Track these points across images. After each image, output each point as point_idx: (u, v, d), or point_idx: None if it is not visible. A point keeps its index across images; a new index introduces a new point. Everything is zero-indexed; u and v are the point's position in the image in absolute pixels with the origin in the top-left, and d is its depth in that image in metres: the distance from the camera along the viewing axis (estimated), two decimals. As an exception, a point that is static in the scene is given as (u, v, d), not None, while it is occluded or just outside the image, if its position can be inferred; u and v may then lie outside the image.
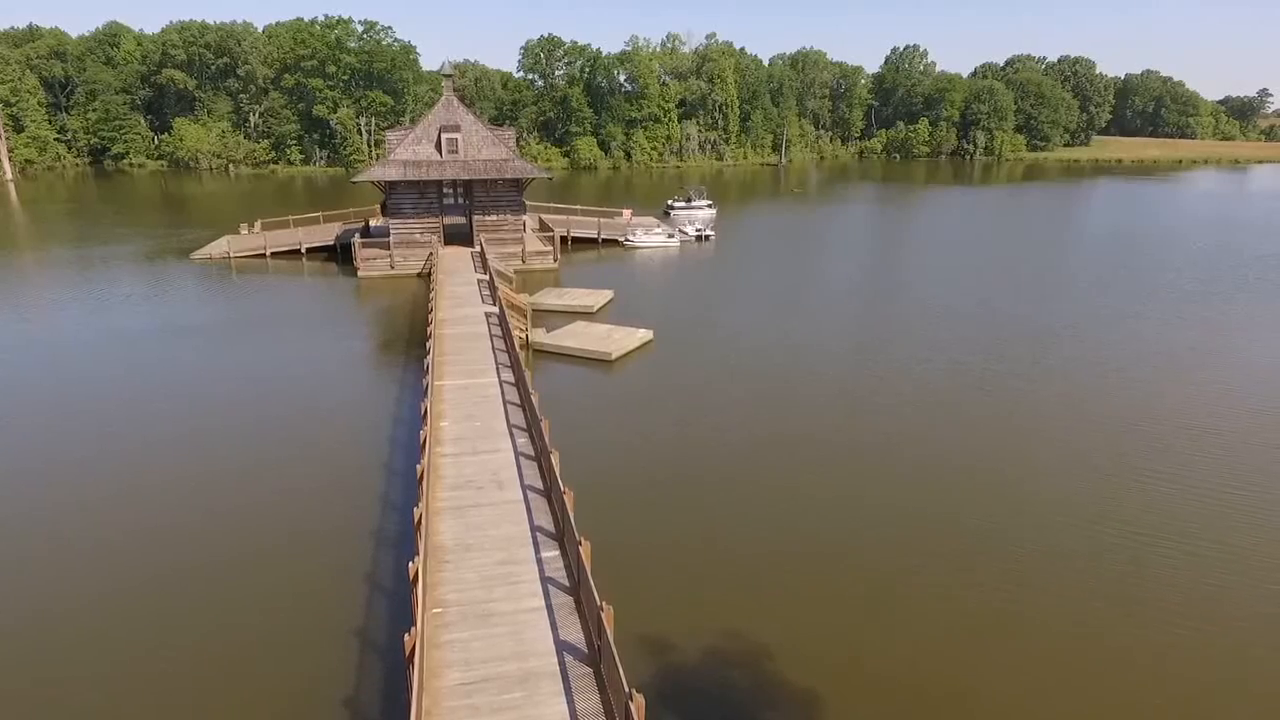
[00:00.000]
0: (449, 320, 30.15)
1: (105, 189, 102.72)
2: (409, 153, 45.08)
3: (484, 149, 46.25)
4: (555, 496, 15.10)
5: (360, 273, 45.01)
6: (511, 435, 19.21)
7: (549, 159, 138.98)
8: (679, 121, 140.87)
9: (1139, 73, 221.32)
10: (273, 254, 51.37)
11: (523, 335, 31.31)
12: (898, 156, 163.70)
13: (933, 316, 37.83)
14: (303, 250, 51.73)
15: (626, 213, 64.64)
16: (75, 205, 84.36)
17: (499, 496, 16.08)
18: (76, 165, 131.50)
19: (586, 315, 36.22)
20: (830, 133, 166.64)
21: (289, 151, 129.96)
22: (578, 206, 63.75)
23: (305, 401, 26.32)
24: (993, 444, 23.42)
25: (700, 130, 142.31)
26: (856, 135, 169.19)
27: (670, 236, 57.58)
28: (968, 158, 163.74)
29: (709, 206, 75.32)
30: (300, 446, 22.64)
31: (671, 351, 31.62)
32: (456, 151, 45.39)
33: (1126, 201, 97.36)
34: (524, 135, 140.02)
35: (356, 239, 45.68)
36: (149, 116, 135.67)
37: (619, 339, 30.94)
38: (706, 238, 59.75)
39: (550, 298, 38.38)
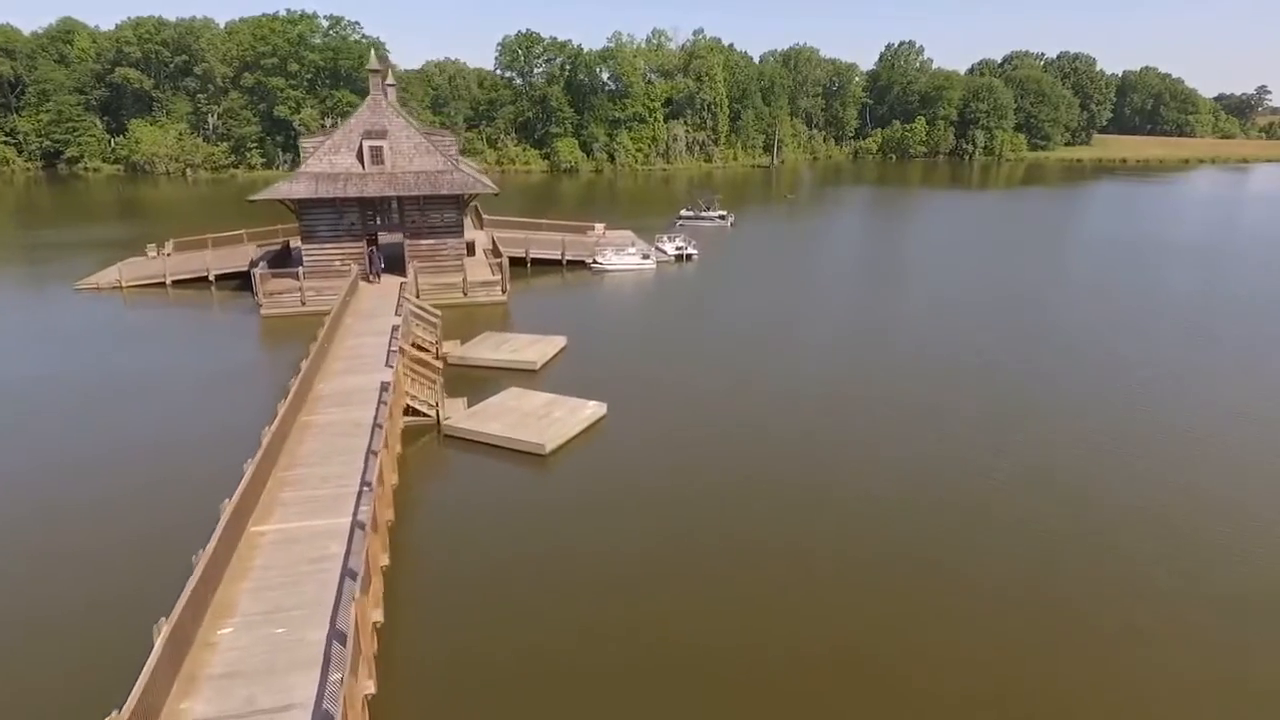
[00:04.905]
0: (326, 397, 22.34)
1: (53, 195, 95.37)
2: (324, 164, 37.27)
3: (416, 159, 38.45)
4: None
5: (263, 310, 36.73)
6: (328, 653, 11.60)
7: (528, 161, 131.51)
8: (665, 121, 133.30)
9: (1137, 70, 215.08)
10: (175, 282, 43.45)
11: (432, 412, 23.67)
12: (894, 157, 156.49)
13: (951, 378, 30.38)
14: (211, 278, 43.83)
15: (599, 227, 57.05)
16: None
17: None
18: (28, 169, 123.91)
19: (527, 374, 28.50)
20: (824, 132, 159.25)
21: (249, 155, 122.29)
22: (542, 221, 56.01)
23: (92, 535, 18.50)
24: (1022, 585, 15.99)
25: (688, 130, 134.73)
26: (851, 135, 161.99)
27: (645, 257, 49.87)
28: (966, 158, 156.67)
29: (721, 218, 67.69)
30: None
31: (628, 436, 23.74)
32: (382, 162, 37.60)
33: (1147, 210, 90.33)
34: (501, 136, 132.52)
35: (260, 268, 37.69)
36: (105, 118, 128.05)
37: (560, 419, 23.18)
38: (688, 257, 52.07)
39: (484, 348, 30.55)
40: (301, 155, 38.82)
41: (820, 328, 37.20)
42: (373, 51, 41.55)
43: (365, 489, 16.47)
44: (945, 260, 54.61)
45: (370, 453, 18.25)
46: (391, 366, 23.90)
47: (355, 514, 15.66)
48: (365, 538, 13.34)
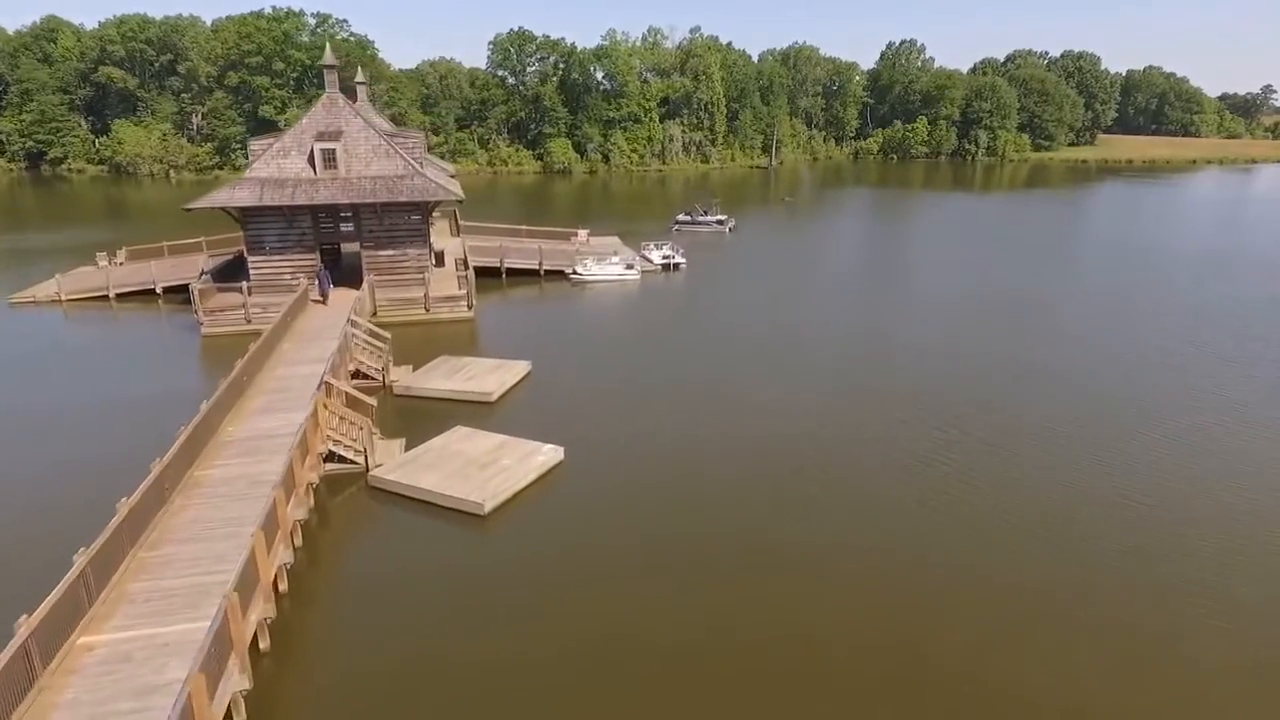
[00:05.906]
0: (233, 444, 19.13)
1: (35, 196, 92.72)
2: (272, 168, 34.03)
3: (374, 162, 35.19)
4: None
5: (204, 329, 33.39)
6: None
7: (520, 162, 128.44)
8: (661, 121, 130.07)
9: (1141, 69, 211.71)
10: (119, 295, 40.27)
11: (360, 459, 20.43)
12: (895, 157, 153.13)
13: (963, 408, 27.16)
14: (158, 291, 40.61)
15: (582, 234, 53.81)
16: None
17: None
18: (11, 170, 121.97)
19: (482, 406, 25.30)
20: (824, 133, 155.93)
21: (234, 156, 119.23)
22: (521, 227, 52.78)
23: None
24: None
25: (684, 131, 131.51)
26: (851, 135, 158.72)
27: (630, 267, 46.59)
28: (969, 158, 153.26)
29: (719, 222, 64.37)
30: None
31: (586, 488, 20.24)
32: (335, 166, 34.37)
33: (1160, 214, 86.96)
34: (493, 137, 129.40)
35: (199, 281, 34.38)
36: (90, 118, 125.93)
37: (508, 469, 19.89)
38: (675, 267, 48.77)
39: (436, 376, 27.28)
40: (249, 158, 35.54)
41: (818, 350, 33.58)
42: (328, 46, 38.26)
43: (242, 580, 13.23)
44: (950, 268, 51.21)
45: (265, 527, 15.00)
46: (327, 393, 20.62)
47: (219, 612, 12.45)
48: (197, 676, 10.10)
